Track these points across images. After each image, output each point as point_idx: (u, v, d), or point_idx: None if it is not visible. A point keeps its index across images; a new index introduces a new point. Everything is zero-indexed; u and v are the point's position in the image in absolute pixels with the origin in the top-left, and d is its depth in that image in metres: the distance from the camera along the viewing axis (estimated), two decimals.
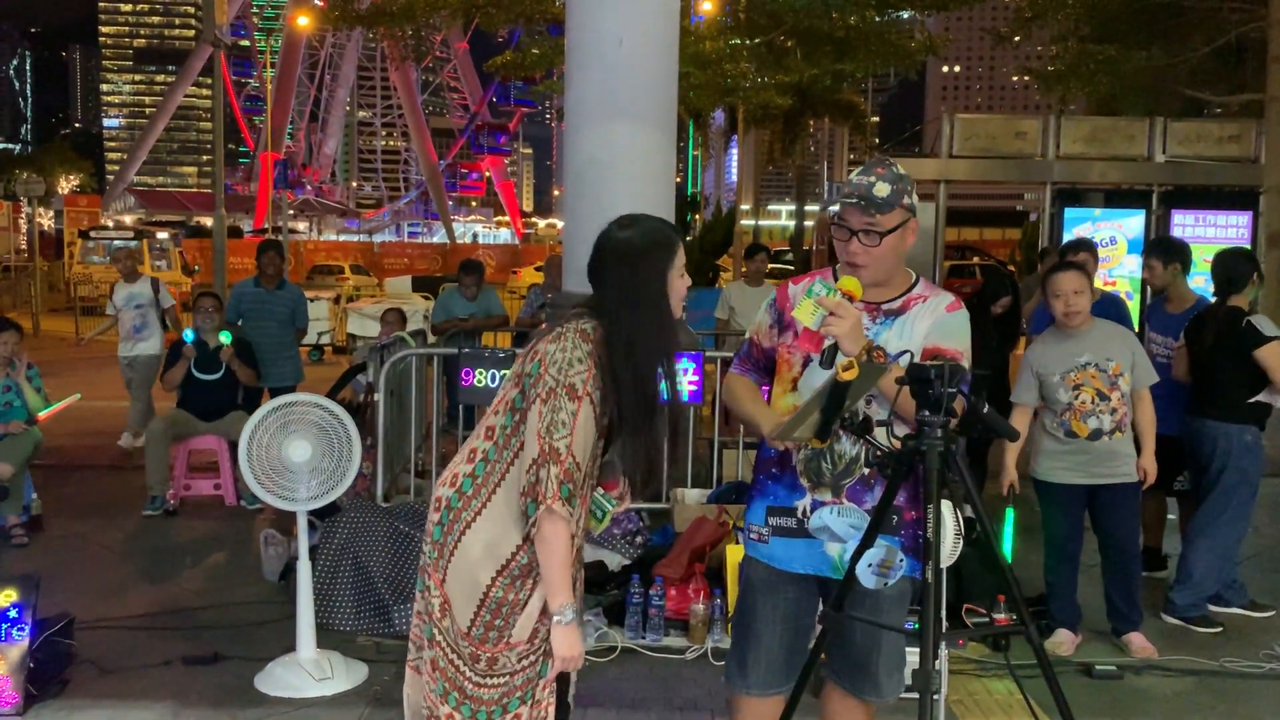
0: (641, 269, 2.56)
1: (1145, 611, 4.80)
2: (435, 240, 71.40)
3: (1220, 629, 4.97)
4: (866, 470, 2.72)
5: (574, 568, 2.59)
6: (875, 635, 2.78)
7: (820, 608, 2.84)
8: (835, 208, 2.76)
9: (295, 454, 4.12)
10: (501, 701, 2.57)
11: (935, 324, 2.74)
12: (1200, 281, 6.16)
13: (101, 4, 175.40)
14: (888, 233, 2.69)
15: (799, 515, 2.77)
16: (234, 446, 6.41)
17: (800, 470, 2.77)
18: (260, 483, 4.17)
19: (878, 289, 2.78)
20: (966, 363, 2.72)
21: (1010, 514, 3.88)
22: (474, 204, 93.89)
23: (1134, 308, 8.50)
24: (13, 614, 3.93)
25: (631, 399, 2.52)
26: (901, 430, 2.59)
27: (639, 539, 5.38)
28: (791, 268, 33.56)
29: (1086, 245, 6.59)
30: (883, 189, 2.66)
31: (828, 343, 2.59)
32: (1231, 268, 5.13)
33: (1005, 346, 6.68)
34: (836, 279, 2.77)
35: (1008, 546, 4.13)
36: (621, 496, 2.73)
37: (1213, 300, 5.23)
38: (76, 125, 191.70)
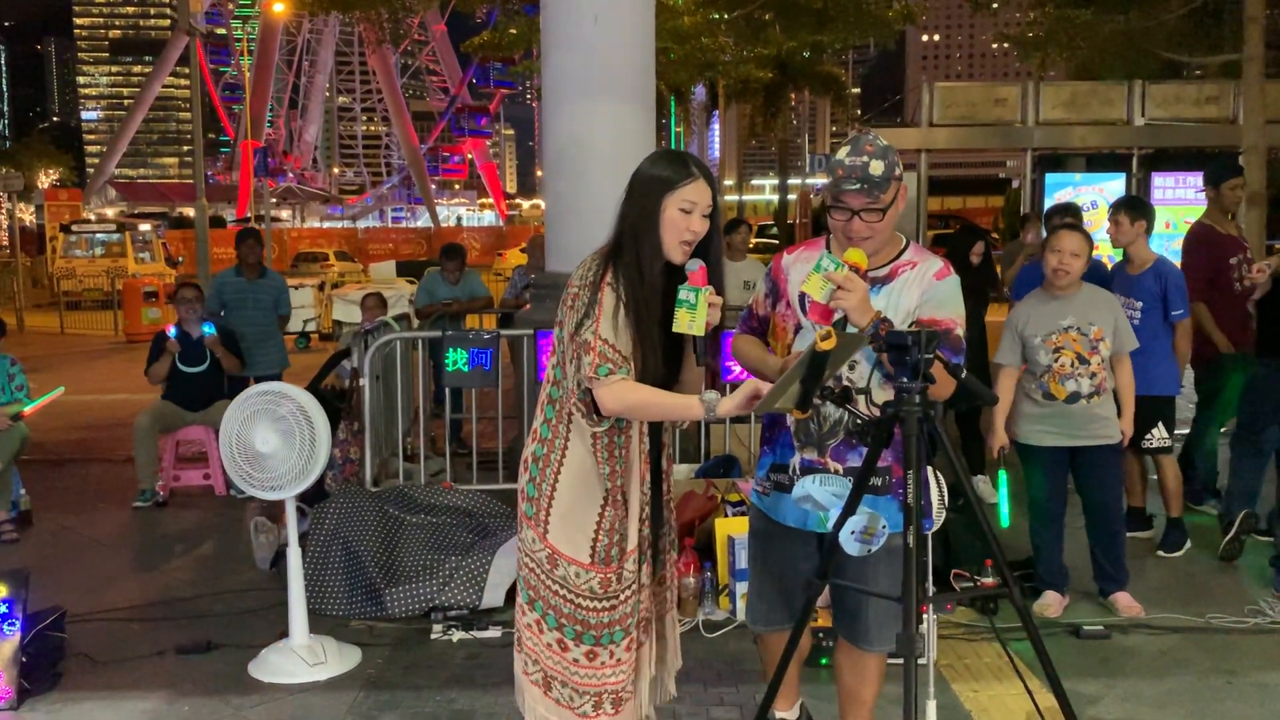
0: (635, 196, 2.62)
1: (1130, 571, 4.84)
2: (419, 225, 71.17)
3: None
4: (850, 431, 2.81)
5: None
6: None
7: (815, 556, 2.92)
8: (826, 185, 2.81)
9: (260, 444, 4.13)
10: (612, 627, 2.66)
11: (926, 294, 2.80)
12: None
13: None
14: (889, 207, 2.76)
15: (789, 472, 2.90)
16: None
17: (793, 430, 2.90)
18: (239, 472, 4.17)
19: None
20: (961, 330, 2.81)
21: (1003, 477, 3.90)
22: (457, 187, 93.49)
23: None
24: (2, 609, 3.93)
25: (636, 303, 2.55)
26: (880, 398, 2.63)
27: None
28: (776, 242, 33.53)
29: (1072, 210, 6.58)
30: (877, 167, 2.72)
31: (837, 315, 2.65)
32: None
33: (979, 309, 6.63)
34: (829, 249, 2.84)
35: (1004, 511, 4.16)
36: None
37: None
38: (55, 119, 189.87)
